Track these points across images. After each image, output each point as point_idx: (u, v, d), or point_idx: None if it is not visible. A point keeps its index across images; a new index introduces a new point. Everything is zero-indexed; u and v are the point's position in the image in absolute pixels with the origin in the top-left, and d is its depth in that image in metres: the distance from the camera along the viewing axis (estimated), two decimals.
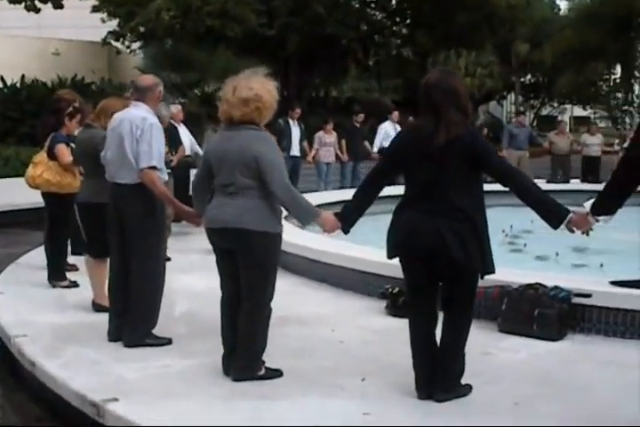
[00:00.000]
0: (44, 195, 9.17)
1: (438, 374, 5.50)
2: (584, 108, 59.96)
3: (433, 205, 5.26)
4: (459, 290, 5.47)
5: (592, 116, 61.52)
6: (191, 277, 9.27)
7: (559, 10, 59.79)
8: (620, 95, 51.69)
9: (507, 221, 13.06)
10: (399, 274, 7.99)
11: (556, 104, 62.90)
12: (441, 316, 5.64)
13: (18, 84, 27.20)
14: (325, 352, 6.65)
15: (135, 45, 41.83)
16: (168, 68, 31.66)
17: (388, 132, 19.03)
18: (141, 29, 38.31)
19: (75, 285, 8.90)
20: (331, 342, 6.96)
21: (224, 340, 5.99)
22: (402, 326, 7.32)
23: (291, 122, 17.51)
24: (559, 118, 61.85)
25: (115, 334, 6.82)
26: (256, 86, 5.65)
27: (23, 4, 36.97)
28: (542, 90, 57.71)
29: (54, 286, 8.90)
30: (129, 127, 6.63)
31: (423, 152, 5.26)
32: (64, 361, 6.32)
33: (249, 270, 5.72)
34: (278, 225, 5.76)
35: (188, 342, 6.86)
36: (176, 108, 14.41)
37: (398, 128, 19.06)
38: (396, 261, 8.11)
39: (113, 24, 40.24)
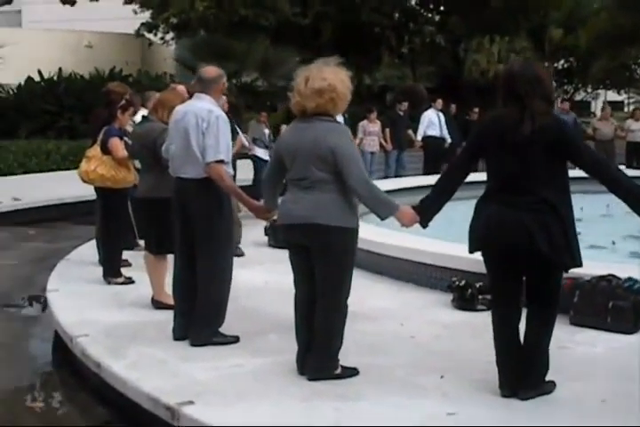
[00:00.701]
0: (98, 189, 8.98)
1: (523, 372, 5.29)
2: (618, 93, 59.31)
3: (518, 197, 5.05)
4: (545, 284, 5.28)
5: (626, 100, 60.89)
6: (249, 271, 9.08)
7: None
8: None
9: None
10: (464, 266, 7.96)
11: (589, 89, 62.22)
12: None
13: (55, 78, 27.09)
14: (398, 348, 6.46)
15: (168, 36, 41.60)
16: (207, 59, 31.15)
17: (431, 119, 18.85)
18: (174, 20, 38.10)
19: (130, 281, 8.73)
20: (402, 337, 6.77)
21: (299, 338, 5.80)
22: (471, 319, 7.27)
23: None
24: (593, 103, 61.23)
25: (180, 333, 6.63)
26: (329, 76, 5.45)
27: None
28: (575, 75, 57.04)
29: (109, 283, 8.73)
30: (194, 120, 6.42)
31: (508, 143, 5.04)
32: (131, 362, 6.14)
33: (325, 267, 5.52)
34: (355, 220, 5.56)
35: (257, 339, 6.68)
36: (221, 99, 14.11)
37: (442, 116, 18.88)
38: (460, 252, 7.99)
39: (145, 16, 40.06)
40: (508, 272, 5.25)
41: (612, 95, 64.28)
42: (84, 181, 8.87)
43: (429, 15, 48.90)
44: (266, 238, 11.10)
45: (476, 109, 21.28)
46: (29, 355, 7.73)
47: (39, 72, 27.10)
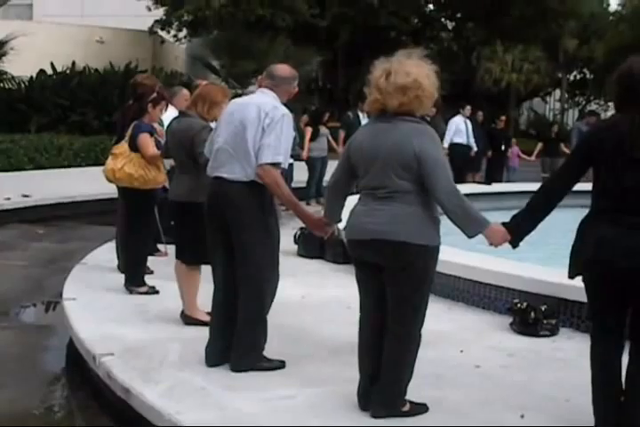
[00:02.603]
0: (124, 190, 8.22)
1: (623, 415, 4.54)
2: None
3: (638, 217, 4.30)
4: None
5: None
6: (281, 284, 8.32)
7: (608, 5, 58.51)
8: None
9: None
10: (525, 287, 7.25)
11: (601, 102, 61.83)
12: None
13: (68, 71, 26.37)
14: (465, 380, 5.73)
15: (181, 34, 41.17)
16: (225, 57, 30.91)
17: (459, 126, 18.20)
18: (189, 18, 37.63)
19: (154, 291, 8.02)
20: (466, 366, 6.04)
21: (363, 369, 5.05)
22: (535, 346, 6.63)
23: (361, 115, 16.55)
24: (602, 115, 60.73)
25: (215, 360, 5.85)
26: (414, 70, 4.71)
27: None
28: (588, 87, 56.57)
29: (132, 293, 8.02)
30: (256, 114, 5.61)
31: (626, 154, 4.29)
32: (165, 388, 5.38)
33: (401, 290, 4.77)
34: (437, 237, 4.80)
35: (304, 364, 5.95)
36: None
37: (469, 123, 18.21)
38: (521, 271, 7.27)
39: (157, 13, 39.56)
40: (615, 301, 4.51)
41: None
42: (110, 181, 8.12)
43: (445, 21, 48.53)
44: (295, 247, 10.38)
45: (503, 117, 20.63)
46: (43, 370, 6.98)
47: (52, 65, 26.41)
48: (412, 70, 4.68)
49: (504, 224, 4.76)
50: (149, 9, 39.55)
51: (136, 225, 8.14)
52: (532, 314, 6.87)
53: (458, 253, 8.02)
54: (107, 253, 9.69)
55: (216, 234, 5.84)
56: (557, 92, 54.89)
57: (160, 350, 6.21)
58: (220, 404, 5.12)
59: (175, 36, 41.03)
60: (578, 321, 6.98)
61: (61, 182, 16.64)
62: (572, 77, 55.79)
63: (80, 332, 6.69)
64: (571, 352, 6.41)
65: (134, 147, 7.88)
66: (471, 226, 4.71)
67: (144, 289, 8.02)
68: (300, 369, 5.82)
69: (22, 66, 25.39)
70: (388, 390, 4.88)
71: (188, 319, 6.85)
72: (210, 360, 5.83)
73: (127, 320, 7.05)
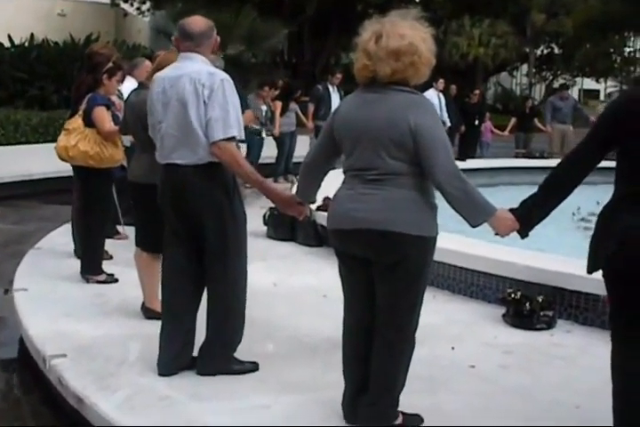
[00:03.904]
0: (78, 169, 7.52)
1: None
2: (597, 81, 58.82)
3: None
4: None
5: (603, 89, 60.35)
6: (251, 269, 7.64)
7: None
8: (633, 69, 50.58)
9: (573, 204, 11.49)
10: (519, 275, 6.66)
11: (568, 76, 61.65)
12: None
13: (26, 44, 25.44)
14: (459, 383, 5.12)
15: (144, 7, 40.34)
16: None
17: (432, 100, 17.28)
18: None
19: (113, 279, 7.38)
20: (459, 366, 5.43)
21: (349, 377, 4.41)
22: (533, 341, 6.03)
23: (330, 88, 16.03)
24: (569, 91, 60.59)
25: (172, 367, 5.13)
26: (409, 33, 4.03)
27: None
28: (556, 62, 56.23)
29: (88, 281, 7.37)
30: (191, 87, 4.86)
31: None
32: (123, 398, 4.71)
33: (394, 288, 4.12)
34: (435, 226, 4.16)
35: (280, 366, 5.31)
36: (219, 61, 12.98)
37: (442, 98, 17.63)
38: (514, 258, 6.67)
39: None
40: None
41: (590, 83, 64.05)
42: (62, 159, 7.42)
43: None
44: (265, 228, 9.74)
45: (477, 91, 20.05)
46: None
47: (9, 37, 25.44)
48: (406, 33, 4.02)
49: (512, 211, 4.13)
50: None
51: (92, 207, 7.46)
52: (526, 305, 6.29)
53: (442, 236, 7.38)
54: (63, 237, 9.04)
55: (172, 222, 5.19)
56: (525, 67, 54.49)
57: (118, 349, 5.56)
58: (186, 416, 4.46)
59: (138, 8, 40.19)
60: (576, 312, 6.43)
61: (18, 160, 15.83)
62: (539, 52, 55.38)
63: (30, 328, 6.04)
64: (571, 349, 5.84)
65: (89, 122, 7.19)
66: (475, 213, 4.04)
67: (102, 277, 7.38)
68: (274, 372, 5.18)
69: None
70: (379, 401, 4.23)
71: (149, 313, 6.20)
72: (162, 368, 5.13)
73: (82, 314, 6.39)
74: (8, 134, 17.53)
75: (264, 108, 15.35)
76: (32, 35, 25.75)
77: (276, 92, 15.98)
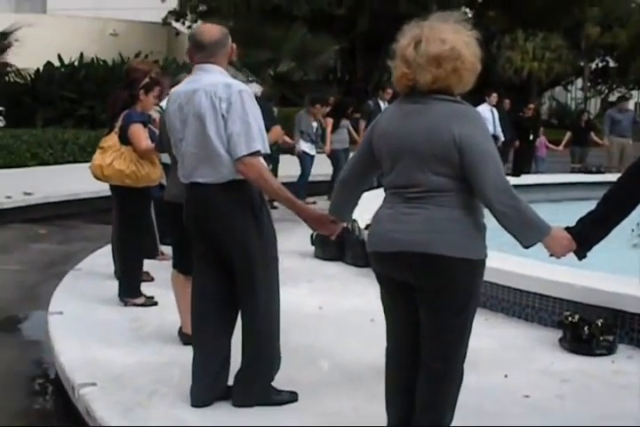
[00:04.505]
0: (115, 188, 7.28)
1: None
2: None
3: None
4: None
5: None
6: (295, 291, 7.40)
7: None
8: None
9: (633, 219, 11.08)
10: (576, 296, 6.28)
11: (623, 90, 60.97)
12: None
13: (76, 63, 25.49)
14: (514, 415, 4.77)
15: (195, 26, 40.43)
16: (239, 46, 29.93)
17: (484, 115, 17.15)
18: (203, 8, 36.88)
19: (152, 302, 7.11)
20: (513, 395, 5.08)
21: (392, 411, 4.09)
22: (592, 368, 5.64)
23: (381, 103, 15.74)
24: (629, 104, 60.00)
25: (205, 397, 4.83)
26: (450, 37, 3.71)
27: None
28: (610, 75, 55.58)
29: (126, 304, 7.10)
30: (208, 102, 4.57)
31: None
32: None
33: (439, 315, 3.79)
34: (484, 248, 3.82)
35: (320, 396, 5.00)
36: (258, 88, 12.85)
37: (495, 112, 17.31)
38: (572, 278, 6.30)
39: (172, 4, 38.82)
40: None
41: None
42: (98, 178, 7.19)
43: (466, 9, 47.64)
44: (312, 248, 9.41)
45: (531, 106, 19.64)
46: (23, 396, 5.96)
47: (59, 57, 25.53)
48: (447, 37, 3.70)
49: (568, 229, 3.79)
50: (163, 0, 38.79)
51: (129, 228, 7.22)
52: (585, 329, 5.92)
53: (494, 256, 7.03)
54: (105, 257, 8.78)
55: (199, 246, 4.89)
56: (579, 81, 53.87)
57: (151, 378, 5.27)
58: None
59: (190, 27, 40.18)
60: (639, 336, 6.02)
61: (65, 179, 15.76)
62: (594, 66, 54.76)
63: (61, 354, 5.80)
64: (634, 376, 5.39)
65: (125, 139, 6.94)
66: (528, 233, 3.70)
67: (140, 300, 7.11)
68: (315, 402, 4.88)
69: (30, 58, 24.63)
70: None
71: (186, 338, 5.88)
72: (195, 400, 4.83)
73: (117, 340, 6.12)
74: (56, 153, 17.55)
75: (315, 124, 15.15)
76: (81, 54, 25.86)
77: (328, 109, 15.76)
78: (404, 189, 3.78)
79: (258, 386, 4.80)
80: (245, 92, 4.58)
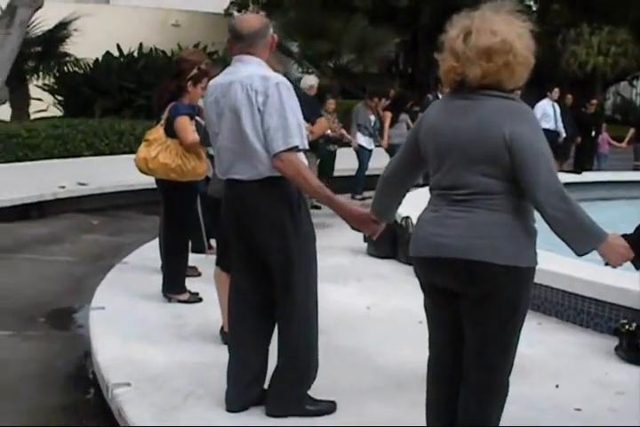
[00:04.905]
0: (160, 182, 7.15)
1: None
2: None
3: None
4: None
5: None
6: (344, 290, 7.23)
7: None
8: None
9: None
10: (634, 303, 6.00)
11: None
12: None
13: (135, 54, 25.46)
14: None
15: None
16: (299, 38, 29.80)
17: (546, 111, 17.02)
18: None
19: (197, 299, 6.95)
20: (563, 408, 4.83)
21: (431, 422, 3.88)
22: None
23: (441, 97, 15.35)
24: None
25: (240, 402, 4.65)
26: (502, 29, 3.47)
27: None
28: None
29: (170, 300, 6.97)
30: (244, 95, 4.38)
31: None
32: None
33: (483, 325, 3.56)
34: (534, 254, 3.57)
35: (362, 402, 4.79)
36: (315, 80, 12.66)
37: (557, 108, 17.00)
38: (630, 284, 6.04)
39: None
40: None
41: None
42: (143, 172, 7.04)
43: (530, 2, 47.09)
44: (365, 245, 9.19)
45: (594, 101, 19.27)
46: (59, 393, 5.76)
47: (118, 47, 25.49)
48: (499, 28, 3.46)
49: (625, 237, 3.54)
50: None
51: (174, 222, 7.07)
52: None
53: (550, 258, 6.76)
54: (154, 251, 8.60)
55: (237, 245, 4.69)
56: None
57: (188, 379, 5.12)
58: None
59: None
60: None
61: (120, 170, 15.57)
62: None
63: (98, 352, 5.66)
64: None
65: (171, 132, 6.77)
66: (582, 240, 3.44)
67: (184, 297, 6.97)
68: (355, 410, 4.68)
69: (90, 48, 24.62)
70: None
71: (227, 338, 5.71)
72: (230, 405, 4.66)
73: (157, 338, 5.98)
74: (112, 144, 17.46)
75: (373, 118, 15.02)
76: (141, 44, 25.77)
77: (387, 103, 15.55)
78: (450, 191, 3.56)
79: (292, 395, 4.59)
80: (283, 85, 4.37)
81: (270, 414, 4.56)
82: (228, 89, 4.44)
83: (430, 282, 3.71)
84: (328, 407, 4.65)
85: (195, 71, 6.85)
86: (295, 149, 4.32)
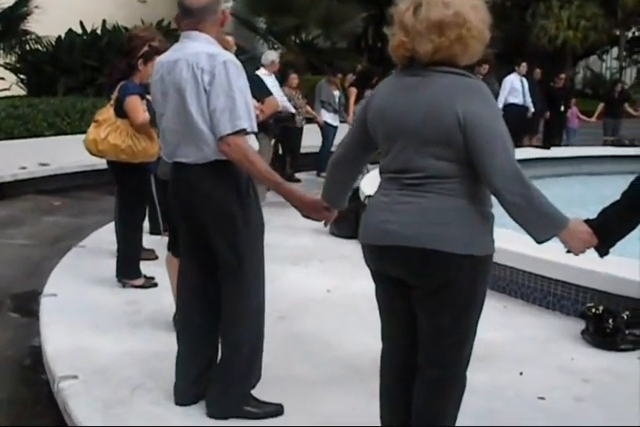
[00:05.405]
0: (112, 164, 6.92)
1: None
2: None
3: None
4: None
5: None
6: (304, 271, 7.01)
7: None
8: None
9: None
10: (600, 285, 5.84)
11: None
12: None
13: (98, 31, 25.05)
14: (525, 420, 4.32)
15: None
16: (264, 13, 29.51)
17: (514, 85, 16.88)
18: None
19: (152, 284, 6.75)
20: (526, 397, 4.64)
21: (384, 416, 3.69)
22: (618, 367, 5.14)
23: None
24: None
25: (189, 395, 4.45)
26: (455, 1, 3.22)
27: None
28: None
29: (124, 286, 6.75)
30: (189, 73, 4.09)
31: None
32: None
33: (437, 318, 3.36)
34: (490, 242, 3.35)
35: (321, 393, 4.60)
36: (276, 55, 12.46)
37: (525, 82, 16.87)
38: (597, 266, 5.88)
39: None
40: None
41: None
42: (92, 154, 6.83)
43: None
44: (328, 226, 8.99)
45: (563, 75, 19.10)
46: (8, 383, 5.56)
47: (81, 24, 25.06)
48: (451, 0, 3.23)
49: (589, 222, 3.34)
50: None
51: (127, 205, 6.87)
52: (609, 322, 5.48)
53: (515, 239, 6.55)
54: (112, 234, 8.39)
55: (184, 229, 4.46)
56: (615, 51, 53.04)
57: (138, 370, 4.92)
58: None
59: None
60: None
61: (82, 149, 15.38)
62: (630, 35, 53.88)
63: (47, 342, 5.43)
64: None
65: (121, 112, 6.53)
66: (542, 226, 3.23)
67: (139, 282, 6.78)
68: (310, 400, 4.49)
69: (52, 25, 24.21)
70: None
71: None
72: (179, 397, 4.45)
73: (109, 326, 5.77)
74: (74, 123, 17.17)
75: (337, 93, 14.84)
76: (104, 21, 25.36)
77: (353, 78, 15.35)
78: (400, 175, 3.33)
79: (232, 396, 4.34)
80: (231, 63, 4.09)
81: (210, 415, 4.31)
82: (174, 67, 4.17)
83: (381, 271, 3.49)
84: (274, 411, 4.37)
85: (146, 48, 6.58)
86: (243, 132, 4.06)
